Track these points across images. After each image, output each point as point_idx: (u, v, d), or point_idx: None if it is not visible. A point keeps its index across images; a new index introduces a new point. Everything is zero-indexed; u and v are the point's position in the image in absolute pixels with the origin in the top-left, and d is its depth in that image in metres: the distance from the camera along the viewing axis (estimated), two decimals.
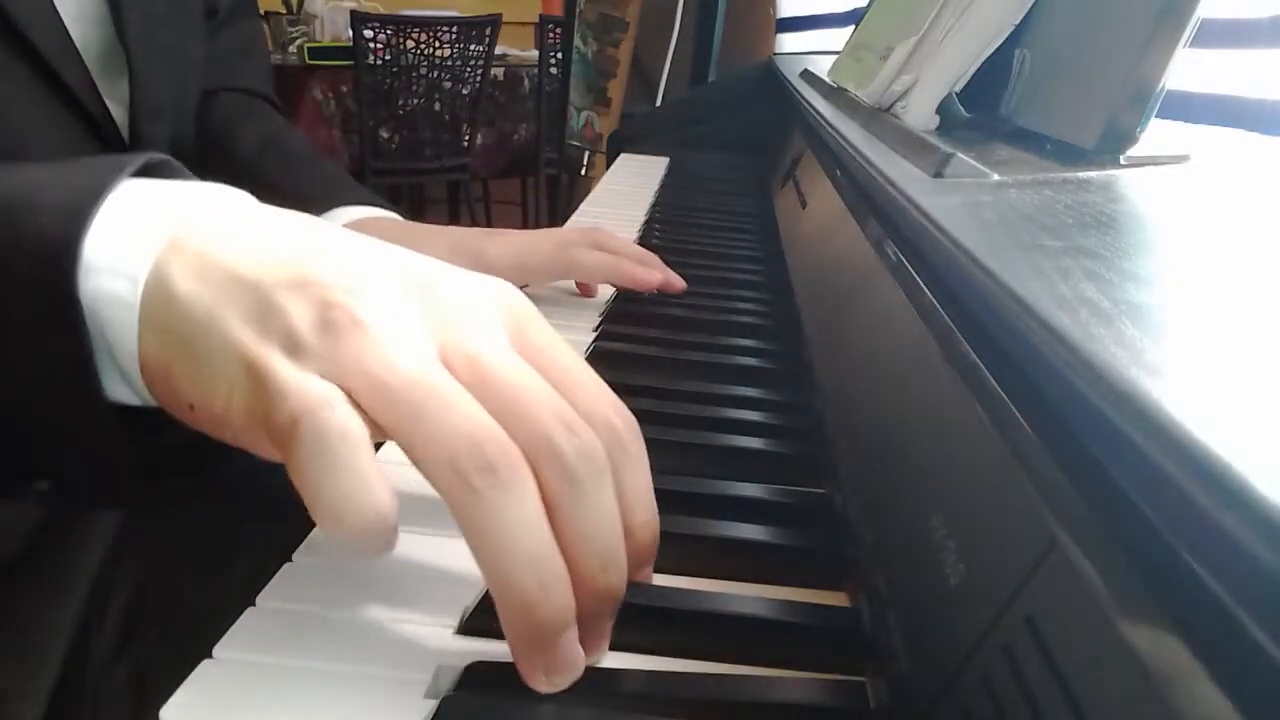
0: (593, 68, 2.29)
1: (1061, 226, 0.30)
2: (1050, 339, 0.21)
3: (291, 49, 2.77)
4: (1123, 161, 0.39)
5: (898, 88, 0.55)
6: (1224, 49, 0.58)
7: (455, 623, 0.28)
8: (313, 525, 0.27)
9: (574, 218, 0.84)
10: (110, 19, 0.49)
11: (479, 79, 2.82)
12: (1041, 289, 0.23)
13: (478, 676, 0.26)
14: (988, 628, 0.21)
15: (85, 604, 0.46)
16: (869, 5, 0.78)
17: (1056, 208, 0.32)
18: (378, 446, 0.27)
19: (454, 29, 2.70)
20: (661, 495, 0.28)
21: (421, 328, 0.25)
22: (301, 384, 0.23)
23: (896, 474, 0.30)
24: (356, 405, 0.23)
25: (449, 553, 0.31)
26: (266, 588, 0.29)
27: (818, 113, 0.68)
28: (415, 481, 0.24)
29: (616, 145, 1.29)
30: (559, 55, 2.53)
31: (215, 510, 0.51)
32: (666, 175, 1.09)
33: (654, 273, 0.60)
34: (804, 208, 0.69)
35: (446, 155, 2.86)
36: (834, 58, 0.84)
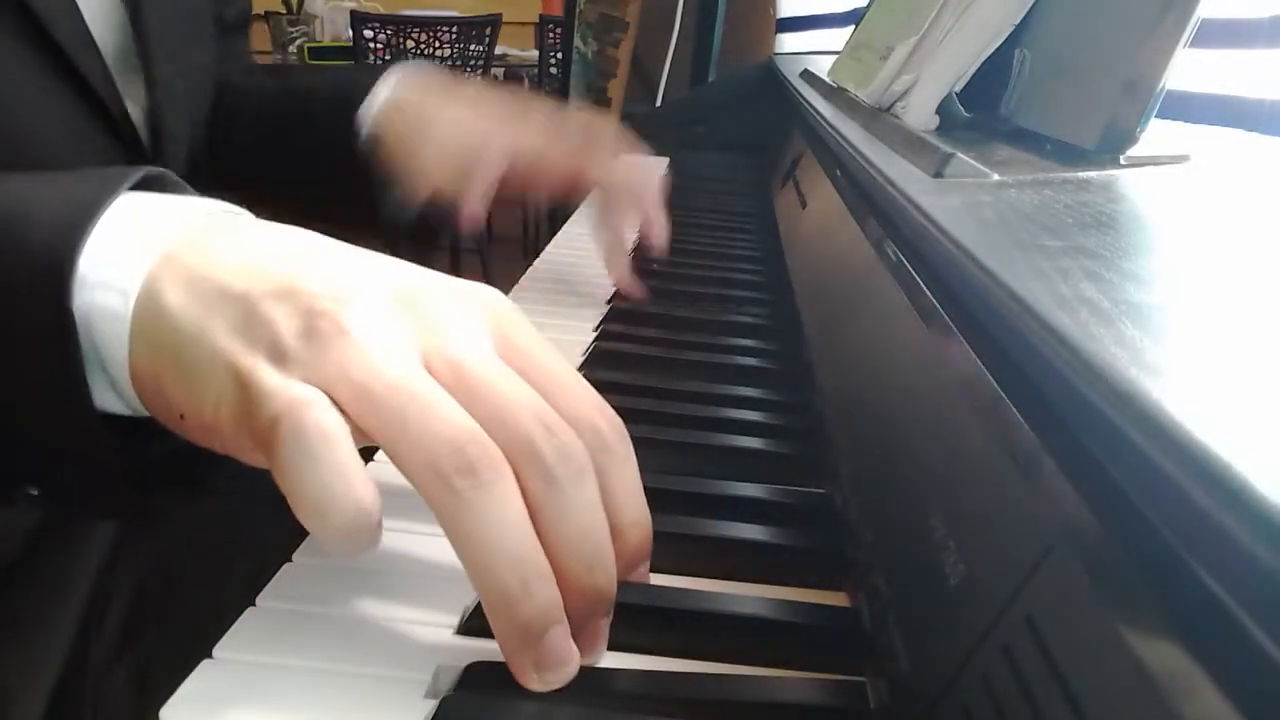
0: (593, 68, 2.29)
1: (1061, 226, 0.30)
2: (1050, 339, 0.21)
3: (291, 49, 2.77)
4: (1123, 161, 0.39)
5: (898, 88, 0.55)
6: (1224, 49, 0.58)
7: (455, 623, 0.28)
8: None
9: (574, 217, 0.84)
10: (127, 20, 0.50)
11: (479, 79, 2.82)
12: (1041, 289, 0.23)
13: (477, 676, 0.26)
14: (988, 628, 0.21)
15: (85, 604, 0.46)
16: (869, 5, 0.78)
17: (1056, 208, 0.32)
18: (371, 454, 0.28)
19: (454, 29, 2.70)
20: (661, 495, 0.28)
21: (405, 334, 0.25)
22: (283, 386, 0.24)
23: (896, 474, 0.30)
24: (342, 411, 0.24)
25: (449, 552, 0.31)
26: (266, 588, 0.29)
27: (818, 113, 0.68)
28: None
29: None
30: (559, 55, 2.53)
31: (215, 510, 0.51)
32: (666, 175, 1.09)
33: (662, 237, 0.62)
34: (804, 208, 0.69)
35: None
36: (834, 58, 0.84)
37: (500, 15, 2.79)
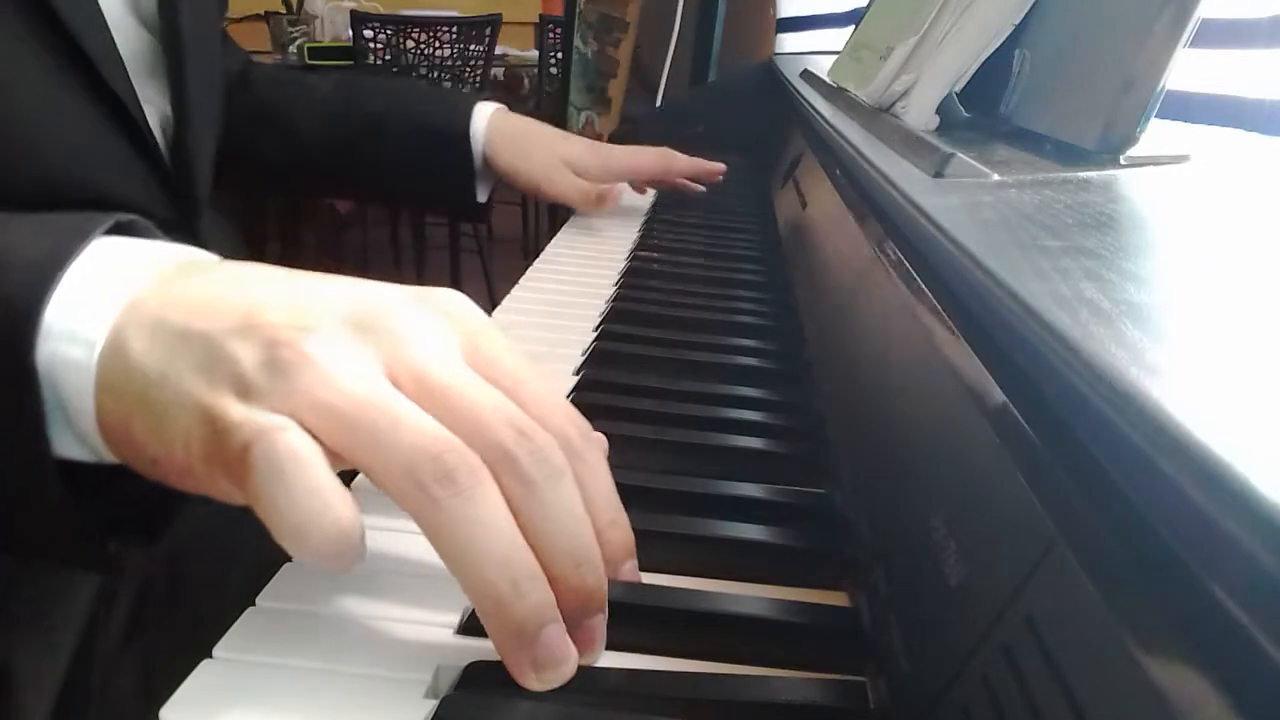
0: (593, 68, 2.29)
1: (1061, 226, 0.30)
2: (1050, 339, 0.21)
3: (292, 49, 2.77)
4: (1123, 161, 0.39)
5: (898, 88, 0.55)
6: (1224, 49, 0.58)
7: (455, 623, 0.28)
8: None
9: (574, 217, 0.84)
10: (142, 25, 0.50)
11: (479, 79, 2.82)
12: (1041, 289, 0.23)
13: (477, 676, 0.26)
14: (988, 628, 0.21)
15: (92, 601, 0.46)
16: (869, 5, 0.78)
17: (1056, 208, 0.32)
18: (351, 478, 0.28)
19: (454, 29, 2.70)
20: (662, 495, 0.28)
21: (368, 352, 0.25)
22: (251, 415, 0.23)
23: (896, 474, 0.30)
24: (315, 438, 0.24)
25: None
26: (267, 588, 0.29)
27: (818, 113, 0.68)
28: None
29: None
30: (559, 55, 2.53)
31: (217, 510, 0.51)
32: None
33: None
34: (804, 208, 0.69)
35: None
36: (834, 58, 0.84)
37: (500, 15, 2.79)
